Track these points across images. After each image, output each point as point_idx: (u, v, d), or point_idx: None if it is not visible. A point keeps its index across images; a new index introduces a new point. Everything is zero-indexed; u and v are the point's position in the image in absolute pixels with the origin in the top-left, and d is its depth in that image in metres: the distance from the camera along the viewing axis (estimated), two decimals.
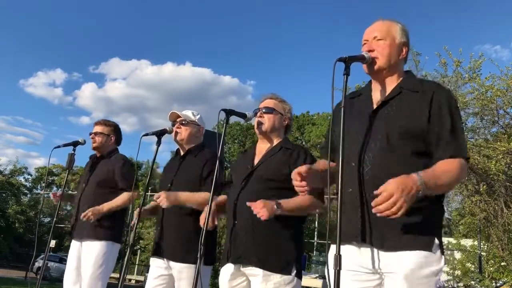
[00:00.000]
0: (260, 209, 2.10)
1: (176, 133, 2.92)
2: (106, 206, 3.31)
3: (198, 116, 3.02)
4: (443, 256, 1.62)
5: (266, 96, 2.59)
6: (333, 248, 1.68)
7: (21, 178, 31.64)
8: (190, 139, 2.94)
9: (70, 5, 57.18)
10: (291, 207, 2.21)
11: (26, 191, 31.96)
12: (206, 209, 2.31)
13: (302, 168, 1.76)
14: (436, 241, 1.60)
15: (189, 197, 2.67)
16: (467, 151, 1.66)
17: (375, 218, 1.58)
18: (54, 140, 55.29)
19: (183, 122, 2.93)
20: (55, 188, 36.86)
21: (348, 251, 1.67)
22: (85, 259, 3.27)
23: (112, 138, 3.65)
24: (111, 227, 3.33)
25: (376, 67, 1.77)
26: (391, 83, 1.78)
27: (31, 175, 34.69)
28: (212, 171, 2.71)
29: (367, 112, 1.76)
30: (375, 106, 1.75)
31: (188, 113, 2.99)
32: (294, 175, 1.76)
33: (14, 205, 28.51)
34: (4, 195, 28.80)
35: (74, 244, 3.43)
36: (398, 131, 1.64)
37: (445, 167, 1.57)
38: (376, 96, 1.80)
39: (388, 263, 1.60)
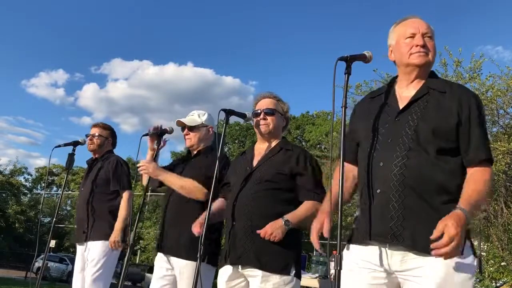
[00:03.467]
0: (270, 234, 2.14)
1: (186, 139, 2.90)
2: (118, 224, 3.32)
3: (205, 116, 2.94)
4: (476, 258, 1.58)
5: (263, 95, 2.54)
6: (354, 248, 1.68)
7: (21, 178, 31.69)
8: (200, 143, 2.90)
9: (72, 5, 57.20)
10: (299, 220, 2.23)
11: (26, 191, 31.98)
12: (203, 215, 2.32)
13: (325, 229, 1.72)
14: (468, 243, 1.56)
15: (171, 177, 2.71)
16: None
17: (408, 219, 1.57)
18: (55, 140, 55.37)
19: (191, 128, 2.89)
20: (55, 189, 36.88)
21: (372, 250, 1.65)
22: (88, 259, 3.30)
23: (110, 140, 3.73)
24: (111, 227, 3.33)
25: (425, 61, 1.73)
26: (418, 82, 1.76)
27: (31, 175, 34.74)
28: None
29: (393, 111, 1.73)
30: (401, 106, 1.73)
31: (194, 117, 2.93)
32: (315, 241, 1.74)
33: (14, 205, 28.53)
34: (4, 195, 28.81)
35: (79, 248, 3.45)
36: (428, 131, 1.63)
37: (476, 187, 1.57)
38: (402, 95, 1.77)
39: (417, 266, 1.56)
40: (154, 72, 54.60)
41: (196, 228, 2.36)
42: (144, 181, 2.86)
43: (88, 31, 57.68)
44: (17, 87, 56.47)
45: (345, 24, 53.39)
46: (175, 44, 58.88)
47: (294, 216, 2.22)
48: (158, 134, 2.81)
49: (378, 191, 1.63)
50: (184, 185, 2.68)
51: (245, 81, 64.80)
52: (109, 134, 3.73)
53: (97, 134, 3.64)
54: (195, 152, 2.92)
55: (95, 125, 3.75)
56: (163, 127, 2.85)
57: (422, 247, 1.54)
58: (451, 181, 1.59)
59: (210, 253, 2.50)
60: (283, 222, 2.17)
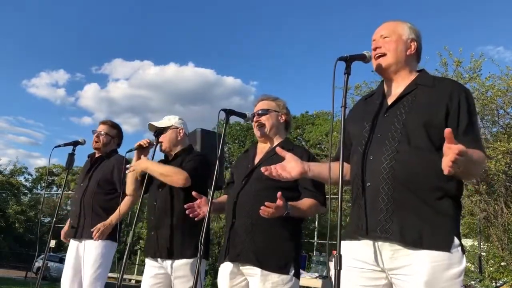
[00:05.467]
0: (272, 211, 2.06)
1: (160, 143, 2.95)
2: (114, 218, 3.31)
3: (175, 119, 3.01)
4: (464, 256, 1.58)
5: (258, 99, 2.62)
6: (345, 244, 1.68)
7: (21, 178, 31.71)
8: (172, 145, 2.97)
9: (73, 5, 57.16)
10: (298, 213, 2.23)
11: (26, 191, 32.00)
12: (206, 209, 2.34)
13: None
14: (456, 241, 1.57)
15: (153, 165, 2.81)
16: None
17: (398, 214, 1.58)
18: (56, 140, 55.11)
19: (161, 131, 2.95)
20: (55, 188, 36.87)
21: (362, 246, 1.66)
22: (86, 258, 3.28)
23: (116, 140, 3.70)
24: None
25: (384, 64, 1.78)
26: (404, 79, 1.79)
27: (31, 175, 34.75)
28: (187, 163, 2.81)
29: (383, 108, 1.76)
30: (390, 102, 1.75)
31: (163, 120, 3.00)
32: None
33: (14, 205, 28.54)
34: (4, 195, 28.82)
35: (73, 244, 3.43)
36: (416, 124, 1.64)
37: (476, 154, 1.53)
38: (390, 93, 1.80)
39: (406, 264, 1.56)
40: (155, 72, 54.46)
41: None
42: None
43: (89, 31, 57.62)
44: (18, 87, 56.33)
45: (346, 24, 53.39)
46: (176, 45, 58.83)
47: (295, 208, 2.20)
48: (156, 134, 2.92)
49: (368, 184, 1.65)
50: (164, 171, 2.74)
51: (246, 81, 64.70)
52: (116, 133, 3.69)
53: (103, 132, 3.60)
54: (172, 156, 2.97)
55: (103, 123, 3.69)
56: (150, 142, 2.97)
57: (411, 240, 1.55)
58: (443, 177, 1.55)
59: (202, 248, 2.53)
60: (285, 212, 2.13)
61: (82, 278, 3.27)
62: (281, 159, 2.36)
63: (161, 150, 2.97)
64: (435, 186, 1.59)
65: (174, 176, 2.69)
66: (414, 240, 1.55)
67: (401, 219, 1.58)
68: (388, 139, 1.66)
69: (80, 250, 3.36)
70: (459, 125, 1.63)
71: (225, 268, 2.32)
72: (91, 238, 3.28)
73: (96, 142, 3.59)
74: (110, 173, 3.47)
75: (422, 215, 1.56)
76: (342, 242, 1.66)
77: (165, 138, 2.95)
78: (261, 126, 2.48)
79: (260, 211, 2.07)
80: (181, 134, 2.99)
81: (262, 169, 1.82)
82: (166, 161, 3.00)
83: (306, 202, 2.28)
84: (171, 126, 2.97)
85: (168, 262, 2.68)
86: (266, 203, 2.06)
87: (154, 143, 2.94)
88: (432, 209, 1.58)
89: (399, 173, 1.60)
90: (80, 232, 3.36)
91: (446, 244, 1.55)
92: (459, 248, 1.57)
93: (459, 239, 1.59)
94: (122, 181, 3.41)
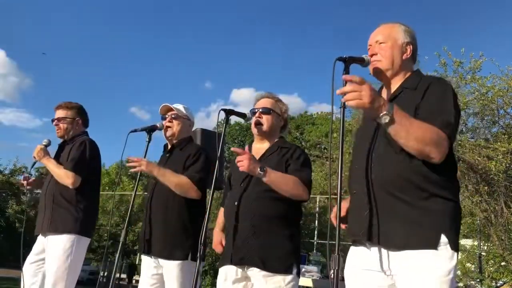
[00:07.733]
0: (245, 159, 2.13)
1: (167, 128, 2.83)
2: (50, 162, 3.10)
3: (189, 110, 2.96)
4: (455, 253, 1.57)
5: (262, 95, 2.58)
6: (351, 249, 1.70)
7: (21, 178, 31.66)
8: (180, 134, 2.86)
9: (74, 5, 57.21)
10: (275, 176, 2.22)
11: (26, 191, 31.97)
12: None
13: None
14: (444, 238, 1.55)
15: (167, 173, 2.61)
16: (455, 133, 1.61)
17: (382, 217, 1.59)
18: (56, 140, 55.22)
19: (174, 116, 2.85)
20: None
21: (361, 252, 1.69)
22: (49, 254, 2.98)
23: (78, 121, 3.30)
24: (77, 220, 3.02)
25: (380, 69, 1.79)
26: (397, 84, 1.80)
27: (31, 175, 34.67)
28: (191, 165, 2.68)
29: None
30: None
31: (179, 107, 2.90)
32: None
33: (14, 205, 28.51)
34: (4, 195, 28.80)
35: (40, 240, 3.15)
36: None
37: (424, 124, 1.52)
38: (385, 97, 1.80)
39: (396, 264, 1.59)
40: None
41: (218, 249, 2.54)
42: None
43: (90, 31, 57.61)
44: None
45: (346, 23, 53.37)
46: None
47: (273, 172, 2.21)
48: (148, 131, 2.76)
49: (354, 192, 1.67)
50: (179, 182, 2.60)
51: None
52: (75, 113, 3.30)
53: (61, 117, 3.26)
54: (171, 146, 2.87)
55: (57, 107, 3.31)
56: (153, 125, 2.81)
57: (396, 243, 1.57)
58: (427, 177, 1.58)
59: (194, 250, 2.51)
60: (259, 167, 2.17)
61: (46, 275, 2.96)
62: (277, 159, 2.37)
63: (165, 134, 2.84)
64: (419, 187, 1.58)
65: (190, 192, 2.61)
66: (398, 242, 1.57)
67: (385, 224, 1.59)
68: (370, 146, 1.67)
69: (45, 245, 3.05)
70: (427, 109, 1.59)
71: (228, 271, 2.32)
72: (54, 232, 3.00)
73: (58, 131, 3.26)
74: (67, 154, 3.12)
75: (408, 217, 1.57)
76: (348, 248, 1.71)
77: (177, 125, 2.83)
78: (261, 124, 2.47)
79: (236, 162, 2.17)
80: (191, 127, 2.95)
81: None
82: (165, 151, 2.93)
83: (288, 175, 2.28)
84: (186, 115, 2.89)
85: (161, 261, 2.62)
86: (232, 149, 2.20)
87: (163, 126, 2.82)
88: (417, 210, 1.58)
89: (382, 178, 1.61)
90: (42, 226, 3.08)
91: (432, 242, 1.54)
92: (448, 246, 1.55)
93: (450, 237, 1.57)
94: (72, 158, 3.06)
